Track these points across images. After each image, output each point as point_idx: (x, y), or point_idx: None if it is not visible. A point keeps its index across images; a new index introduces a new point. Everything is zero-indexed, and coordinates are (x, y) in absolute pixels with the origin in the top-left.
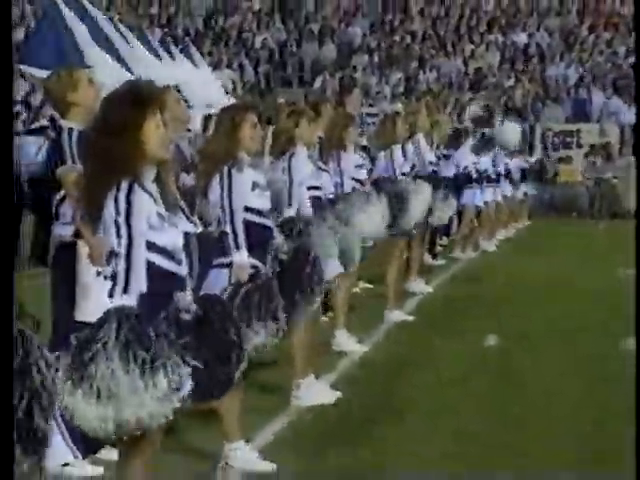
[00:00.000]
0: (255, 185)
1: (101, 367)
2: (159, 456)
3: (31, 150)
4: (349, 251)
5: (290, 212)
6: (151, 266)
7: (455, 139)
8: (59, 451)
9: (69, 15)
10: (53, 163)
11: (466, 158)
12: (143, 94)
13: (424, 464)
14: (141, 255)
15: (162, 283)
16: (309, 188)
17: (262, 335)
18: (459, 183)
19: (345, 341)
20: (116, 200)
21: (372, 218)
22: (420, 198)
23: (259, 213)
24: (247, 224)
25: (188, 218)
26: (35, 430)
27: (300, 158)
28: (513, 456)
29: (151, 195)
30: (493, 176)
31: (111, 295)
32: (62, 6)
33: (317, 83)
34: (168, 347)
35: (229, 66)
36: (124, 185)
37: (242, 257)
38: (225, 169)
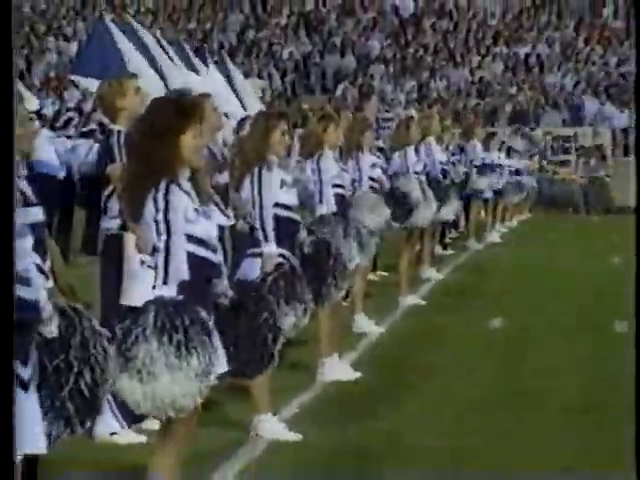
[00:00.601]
0: (283, 183)
1: (141, 350)
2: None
3: (82, 151)
4: (365, 244)
5: (322, 210)
6: (190, 255)
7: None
8: (107, 421)
9: (116, 31)
10: (103, 163)
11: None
12: (187, 105)
13: (435, 433)
14: (180, 248)
15: (201, 270)
16: (334, 186)
17: (291, 316)
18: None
19: (364, 323)
20: (155, 200)
21: (376, 216)
22: (427, 208)
23: (287, 208)
24: (277, 218)
25: (222, 211)
26: (90, 401)
27: (328, 159)
28: (513, 430)
29: (187, 193)
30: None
31: (153, 287)
32: (109, 23)
33: (338, 91)
34: (202, 332)
35: (259, 76)
36: (162, 185)
37: (271, 249)
38: (256, 169)
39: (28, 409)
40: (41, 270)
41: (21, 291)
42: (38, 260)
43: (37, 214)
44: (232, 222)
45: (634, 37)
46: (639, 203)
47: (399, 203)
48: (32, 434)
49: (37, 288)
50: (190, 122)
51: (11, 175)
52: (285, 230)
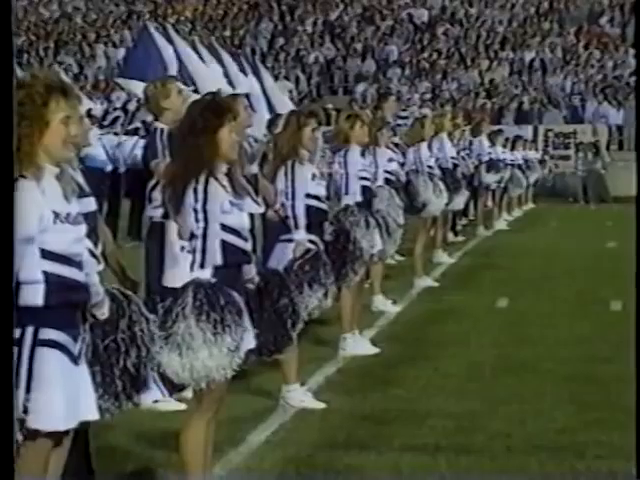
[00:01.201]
0: (314, 175)
1: (181, 326)
2: (229, 396)
3: (128, 147)
4: (392, 232)
5: (349, 200)
6: (225, 244)
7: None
8: (151, 390)
9: (159, 39)
10: (148, 157)
11: (483, 148)
12: (223, 105)
13: (445, 400)
14: (216, 235)
15: (233, 257)
16: (360, 179)
17: (314, 298)
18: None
19: (382, 303)
20: (195, 191)
21: (396, 209)
22: (439, 199)
23: (317, 198)
24: (307, 207)
25: (254, 200)
26: (137, 378)
27: (354, 154)
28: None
29: (223, 186)
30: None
31: (192, 269)
32: (153, 32)
33: (359, 92)
34: (235, 312)
35: (287, 78)
36: (202, 178)
37: (301, 235)
38: (289, 162)
39: (79, 380)
40: (93, 255)
41: (74, 274)
42: (91, 245)
43: (90, 204)
44: (262, 210)
45: (633, 41)
46: None
47: (411, 199)
48: (85, 403)
49: (89, 272)
50: (225, 120)
51: (11, 173)
52: (314, 218)
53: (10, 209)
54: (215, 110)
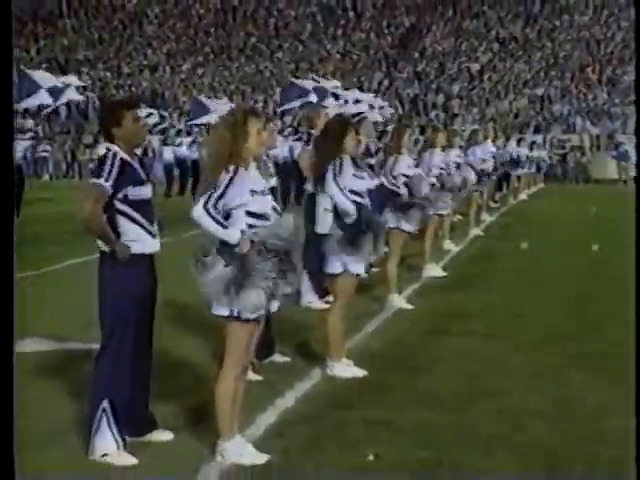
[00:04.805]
0: (408, 164)
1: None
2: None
3: (294, 149)
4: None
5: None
6: (354, 203)
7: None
8: (306, 295)
9: (308, 85)
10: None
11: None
12: (344, 120)
13: (490, 303)
14: (347, 197)
15: (357, 208)
16: (440, 169)
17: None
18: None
19: (449, 245)
20: (334, 169)
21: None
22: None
23: (406, 177)
24: (406, 184)
25: (371, 177)
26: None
27: (435, 153)
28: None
29: (349, 166)
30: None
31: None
32: (304, 81)
33: (433, 115)
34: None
35: (391, 106)
36: (337, 161)
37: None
38: (393, 157)
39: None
40: (277, 211)
41: (265, 225)
42: (276, 205)
43: (274, 182)
44: (377, 183)
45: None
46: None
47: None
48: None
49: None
50: (347, 129)
51: (11, 167)
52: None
53: (10, 210)
54: (339, 124)
